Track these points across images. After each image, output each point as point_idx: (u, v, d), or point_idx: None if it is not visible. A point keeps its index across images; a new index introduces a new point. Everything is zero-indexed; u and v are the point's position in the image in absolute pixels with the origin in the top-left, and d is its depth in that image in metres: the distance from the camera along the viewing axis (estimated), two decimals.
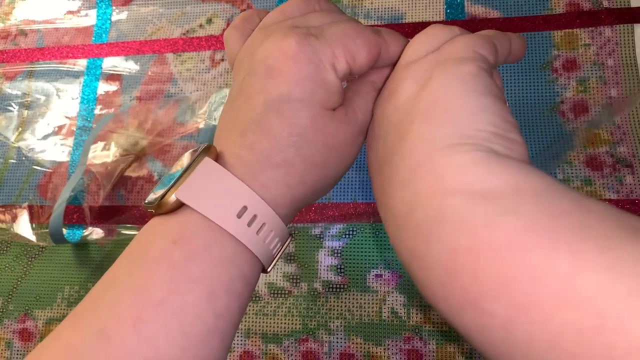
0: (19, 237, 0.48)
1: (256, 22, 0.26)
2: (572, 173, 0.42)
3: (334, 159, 0.23)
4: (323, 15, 0.25)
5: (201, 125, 0.49)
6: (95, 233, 0.48)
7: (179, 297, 0.20)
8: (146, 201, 0.22)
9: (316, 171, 0.23)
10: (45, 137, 0.53)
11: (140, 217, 0.47)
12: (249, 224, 0.22)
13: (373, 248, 0.43)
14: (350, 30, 0.23)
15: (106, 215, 0.48)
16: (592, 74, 0.44)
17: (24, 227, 0.48)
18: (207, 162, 0.22)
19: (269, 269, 0.24)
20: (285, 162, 0.22)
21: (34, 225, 0.49)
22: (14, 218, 0.49)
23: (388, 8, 0.49)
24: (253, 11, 0.27)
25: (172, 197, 0.21)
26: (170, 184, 0.21)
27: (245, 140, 0.22)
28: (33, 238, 0.48)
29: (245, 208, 0.21)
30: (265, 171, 0.22)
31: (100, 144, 0.51)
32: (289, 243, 0.25)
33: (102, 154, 0.50)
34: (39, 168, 0.52)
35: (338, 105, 0.24)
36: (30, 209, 0.50)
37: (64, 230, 0.47)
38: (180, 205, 0.21)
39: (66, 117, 0.53)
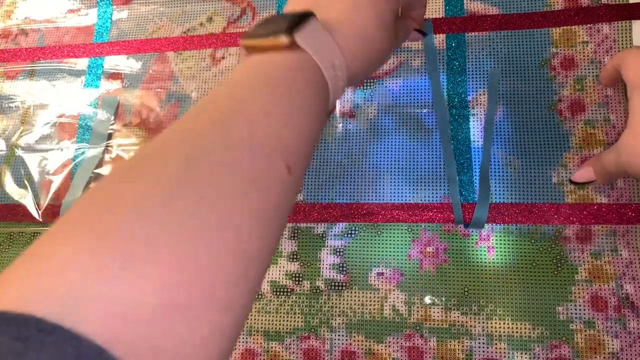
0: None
1: None
2: (566, 176, 0.42)
3: (378, 43, 0.29)
4: None
5: None
6: None
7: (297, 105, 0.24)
8: (266, 32, 0.25)
9: (368, 42, 0.29)
10: (47, 136, 0.53)
11: None
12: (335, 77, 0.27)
13: (375, 247, 0.44)
14: None
15: None
16: (589, 72, 0.44)
17: (28, 202, 0.50)
18: (314, 21, 0.26)
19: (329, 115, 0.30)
20: (349, 21, 0.28)
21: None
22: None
23: None
24: None
25: (284, 39, 0.24)
26: (282, 29, 0.24)
27: (319, 6, 0.28)
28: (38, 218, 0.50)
29: (333, 65, 0.26)
30: (340, 32, 0.27)
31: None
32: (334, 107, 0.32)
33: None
34: (40, 167, 0.52)
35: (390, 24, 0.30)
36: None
37: None
38: (282, 48, 0.25)
39: (68, 116, 0.53)
